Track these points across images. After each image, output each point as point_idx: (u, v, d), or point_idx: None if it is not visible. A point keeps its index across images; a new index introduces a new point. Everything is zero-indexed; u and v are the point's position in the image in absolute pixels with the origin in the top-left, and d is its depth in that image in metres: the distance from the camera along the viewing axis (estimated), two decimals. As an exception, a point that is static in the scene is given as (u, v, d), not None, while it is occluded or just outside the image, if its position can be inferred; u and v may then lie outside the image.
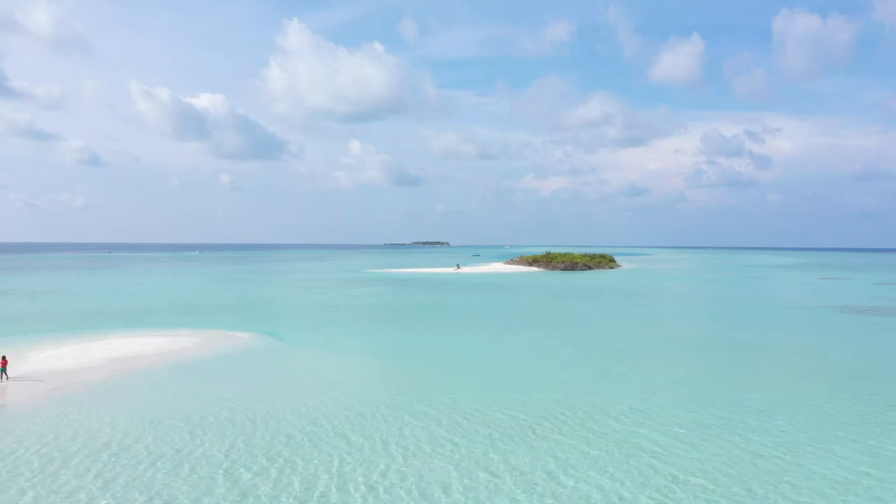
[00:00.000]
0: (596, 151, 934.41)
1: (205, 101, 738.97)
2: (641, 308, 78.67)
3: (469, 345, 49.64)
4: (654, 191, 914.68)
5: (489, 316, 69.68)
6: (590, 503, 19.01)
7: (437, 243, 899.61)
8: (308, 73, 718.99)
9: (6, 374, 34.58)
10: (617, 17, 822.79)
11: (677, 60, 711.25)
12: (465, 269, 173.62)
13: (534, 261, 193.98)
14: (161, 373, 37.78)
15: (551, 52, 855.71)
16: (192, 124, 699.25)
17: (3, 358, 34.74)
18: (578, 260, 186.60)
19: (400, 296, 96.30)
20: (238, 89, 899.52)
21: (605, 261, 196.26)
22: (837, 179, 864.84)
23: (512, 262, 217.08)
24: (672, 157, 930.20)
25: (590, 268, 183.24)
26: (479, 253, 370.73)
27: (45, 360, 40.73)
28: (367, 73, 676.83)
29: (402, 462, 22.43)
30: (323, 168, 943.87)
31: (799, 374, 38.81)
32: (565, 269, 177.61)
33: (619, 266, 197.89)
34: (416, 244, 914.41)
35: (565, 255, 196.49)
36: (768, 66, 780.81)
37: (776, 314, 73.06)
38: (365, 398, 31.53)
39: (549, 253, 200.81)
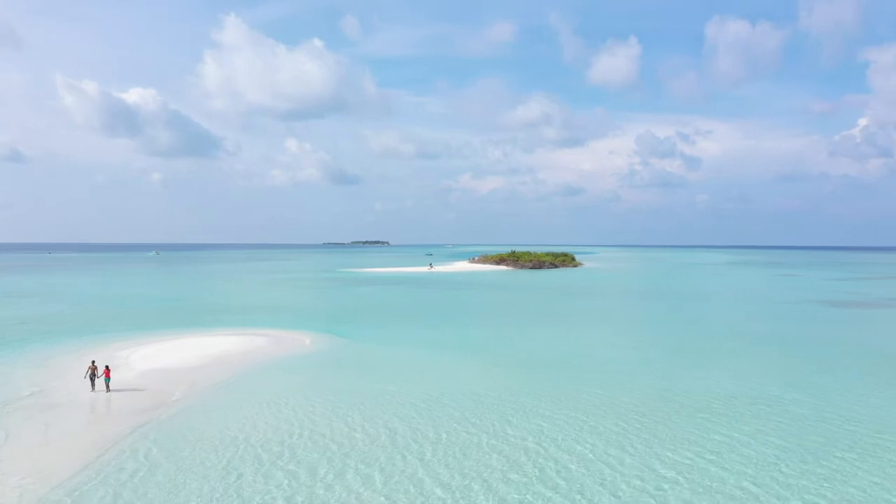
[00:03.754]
0: (534, 151, 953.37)
1: (135, 96, 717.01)
2: (657, 303, 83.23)
3: (535, 339, 52.47)
4: (589, 191, 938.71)
5: (524, 312, 72.59)
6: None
7: (378, 243, 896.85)
8: (245, 69, 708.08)
9: (108, 385, 32.87)
10: (558, 19, 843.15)
11: (615, 63, 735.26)
12: (437, 269, 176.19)
13: (500, 260, 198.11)
14: (271, 369, 39.18)
15: (492, 53, 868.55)
16: (122, 120, 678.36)
17: (107, 367, 33.33)
18: (544, 259, 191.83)
19: (413, 294, 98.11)
20: (171, 84, 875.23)
21: (568, 259, 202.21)
22: (761, 181, 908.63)
23: (475, 261, 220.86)
24: (607, 157, 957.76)
25: (556, 266, 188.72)
26: (431, 252, 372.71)
27: (142, 359, 41.42)
28: (306, 70, 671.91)
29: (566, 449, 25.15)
30: (260, 166, 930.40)
31: (854, 359, 43.32)
32: (533, 267, 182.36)
33: (581, 264, 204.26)
34: (355, 244, 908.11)
35: (529, 253, 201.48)
36: (700, 70, 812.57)
37: (781, 309, 78.73)
38: (467, 389, 33.98)
39: (513, 252, 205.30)
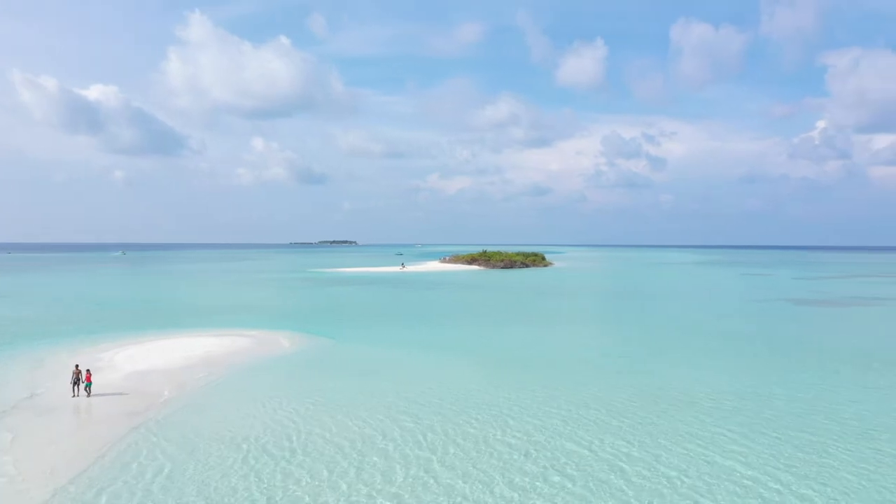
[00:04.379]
0: (502, 152, 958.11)
1: (97, 93, 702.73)
2: (631, 302, 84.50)
3: (517, 337, 53.03)
4: (556, 191, 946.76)
5: (502, 311, 73.12)
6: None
7: (345, 242, 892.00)
8: (211, 66, 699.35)
9: (88, 389, 31.86)
10: (526, 19, 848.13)
11: (582, 64, 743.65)
12: (409, 268, 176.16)
13: (472, 259, 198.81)
14: (257, 369, 39.03)
15: (461, 53, 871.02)
16: (83, 117, 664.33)
17: (88, 371, 32.34)
18: (516, 258, 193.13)
19: (389, 293, 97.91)
20: (134, 81, 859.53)
21: (538, 259, 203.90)
22: (725, 182, 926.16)
23: (446, 260, 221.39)
24: (574, 158, 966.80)
25: (527, 266, 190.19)
26: (401, 252, 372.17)
27: (126, 360, 40.86)
28: (272, 68, 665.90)
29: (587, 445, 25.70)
30: (225, 165, 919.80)
31: (831, 355, 44.73)
32: (505, 267, 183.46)
33: (551, 264, 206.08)
34: (322, 243, 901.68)
35: (500, 253, 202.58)
36: (666, 72, 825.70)
37: (754, 307, 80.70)
38: (458, 386, 34.41)
39: (484, 252, 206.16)
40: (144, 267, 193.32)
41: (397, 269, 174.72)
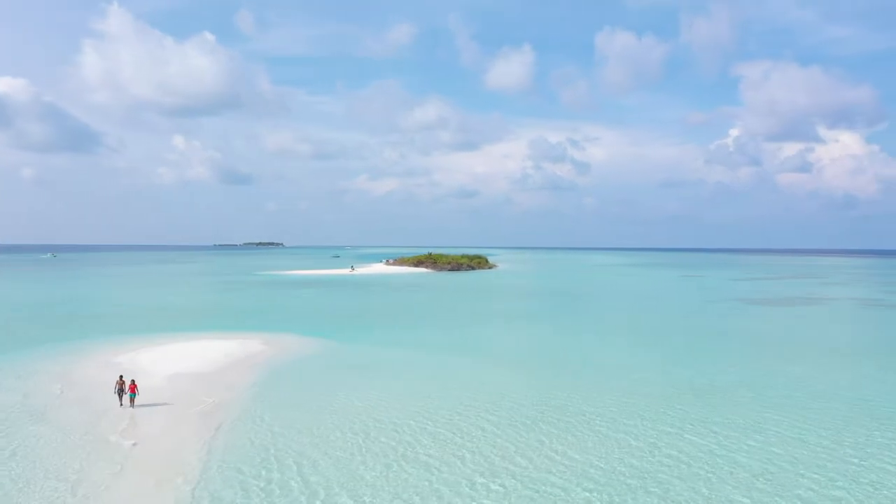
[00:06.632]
0: (430, 154, 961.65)
1: (3, 86, 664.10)
2: (591, 303, 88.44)
3: (515, 336, 55.44)
4: (483, 193, 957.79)
5: (485, 311, 75.38)
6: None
7: (271, 244, 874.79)
8: (130, 61, 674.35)
9: (133, 400, 31.12)
10: (457, 23, 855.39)
11: (510, 69, 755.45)
12: (359, 271, 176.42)
13: (419, 262, 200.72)
14: (290, 370, 39.92)
15: (391, 54, 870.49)
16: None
17: (133, 382, 31.58)
18: (462, 261, 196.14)
19: (361, 296, 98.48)
20: (45, 75, 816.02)
21: (483, 261, 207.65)
22: (645, 186, 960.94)
23: (391, 263, 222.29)
24: (501, 161, 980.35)
25: (473, 268, 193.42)
26: (338, 254, 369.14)
27: (152, 363, 40.89)
28: (196, 64, 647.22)
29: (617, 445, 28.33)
30: (145, 164, 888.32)
31: (799, 349, 49.13)
32: (452, 269, 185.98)
33: (495, 266, 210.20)
34: (247, 245, 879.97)
35: (445, 256, 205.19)
36: (591, 79, 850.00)
37: (707, 308, 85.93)
38: (503, 390, 36.67)
39: (430, 254, 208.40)
40: (86, 269, 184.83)
41: (347, 271, 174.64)
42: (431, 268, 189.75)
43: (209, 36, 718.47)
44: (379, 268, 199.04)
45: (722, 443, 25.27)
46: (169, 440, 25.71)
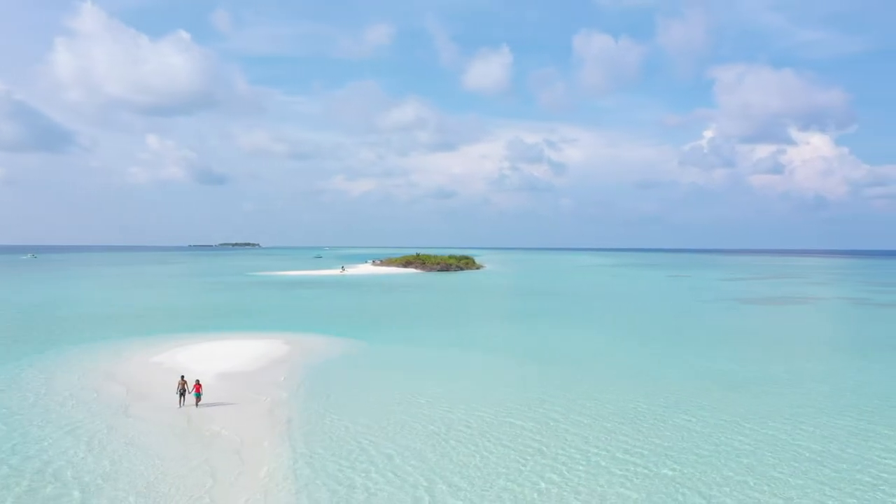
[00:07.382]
0: (408, 155, 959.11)
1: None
2: (591, 303, 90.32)
3: (548, 339, 56.79)
4: (461, 194, 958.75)
5: (492, 311, 76.64)
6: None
7: (248, 244, 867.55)
8: (103, 59, 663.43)
9: (198, 399, 31.79)
10: (435, 24, 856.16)
11: (488, 70, 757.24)
12: (349, 272, 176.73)
13: (407, 262, 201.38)
14: (334, 368, 40.84)
15: (368, 55, 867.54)
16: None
17: (197, 382, 32.18)
18: (450, 262, 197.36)
19: (364, 296, 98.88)
20: (16, 73, 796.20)
21: (470, 262, 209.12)
22: (621, 187, 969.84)
23: (378, 263, 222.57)
24: (478, 162, 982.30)
25: (461, 269, 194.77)
26: (320, 255, 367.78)
27: (194, 362, 41.44)
28: (171, 63, 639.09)
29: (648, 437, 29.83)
30: (118, 163, 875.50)
31: (800, 347, 51.11)
32: (441, 270, 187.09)
33: (483, 267, 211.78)
34: (224, 245, 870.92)
35: (433, 256, 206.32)
36: (568, 81, 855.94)
37: (704, 308, 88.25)
38: (513, 384, 38.05)
39: (418, 255, 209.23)
40: (73, 270, 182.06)
41: (338, 272, 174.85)
42: (420, 268, 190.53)
43: (184, 34, 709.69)
44: (367, 268, 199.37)
45: (789, 432, 26.81)
46: (250, 434, 26.55)
